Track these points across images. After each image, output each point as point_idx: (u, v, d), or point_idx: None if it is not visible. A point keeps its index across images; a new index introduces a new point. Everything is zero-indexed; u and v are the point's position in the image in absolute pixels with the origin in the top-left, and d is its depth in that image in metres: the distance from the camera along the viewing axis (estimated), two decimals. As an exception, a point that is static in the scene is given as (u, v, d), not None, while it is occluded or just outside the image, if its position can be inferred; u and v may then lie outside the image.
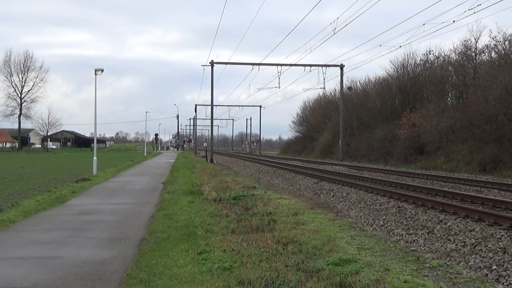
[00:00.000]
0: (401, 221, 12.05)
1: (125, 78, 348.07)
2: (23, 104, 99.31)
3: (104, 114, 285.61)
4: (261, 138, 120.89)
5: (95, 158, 28.42)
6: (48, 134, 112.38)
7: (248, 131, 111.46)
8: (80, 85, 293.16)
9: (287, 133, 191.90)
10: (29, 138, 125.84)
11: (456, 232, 10.14)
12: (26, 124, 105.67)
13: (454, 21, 25.24)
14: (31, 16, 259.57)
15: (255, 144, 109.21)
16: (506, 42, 34.96)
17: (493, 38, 36.51)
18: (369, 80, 58.89)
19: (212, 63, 45.83)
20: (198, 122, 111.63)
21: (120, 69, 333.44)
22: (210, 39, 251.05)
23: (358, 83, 60.99)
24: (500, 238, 9.13)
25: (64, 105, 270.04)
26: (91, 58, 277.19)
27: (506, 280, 7.17)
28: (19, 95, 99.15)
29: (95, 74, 28.50)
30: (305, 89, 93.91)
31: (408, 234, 10.83)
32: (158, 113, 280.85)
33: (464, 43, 40.35)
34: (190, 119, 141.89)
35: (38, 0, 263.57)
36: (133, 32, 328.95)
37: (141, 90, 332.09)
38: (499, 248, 8.53)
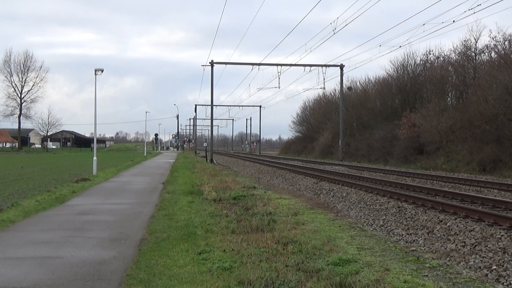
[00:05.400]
0: (401, 221, 12.05)
1: (128, 78, 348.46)
2: (23, 104, 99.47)
3: (106, 114, 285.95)
4: (261, 138, 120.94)
5: (95, 158, 28.42)
6: (48, 134, 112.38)
7: (248, 131, 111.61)
8: (83, 85, 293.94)
9: (287, 133, 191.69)
10: (29, 138, 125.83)
11: (456, 232, 10.14)
12: (26, 124, 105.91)
13: (454, 21, 25.24)
14: (35, 16, 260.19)
15: (255, 144, 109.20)
16: (506, 42, 34.99)
17: (493, 38, 36.54)
18: (369, 80, 59.01)
19: (212, 63, 45.83)
20: (198, 122, 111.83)
21: (124, 69, 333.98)
22: (216, 39, 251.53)
23: (358, 83, 61.10)
24: (500, 238, 9.13)
25: (66, 105, 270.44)
26: (94, 58, 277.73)
27: (506, 280, 7.17)
28: (19, 95, 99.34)
29: (95, 74, 28.52)
30: (305, 89, 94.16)
31: (408, 234, 10.82)
32: (160, 113, 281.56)
33: (464, 43, 40.39)
34: (190, 119, 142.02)
35: (42, 0, 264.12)
36: (137, 32, 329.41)
37: (144, 90, 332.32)
38: (499, 248, 8.53)
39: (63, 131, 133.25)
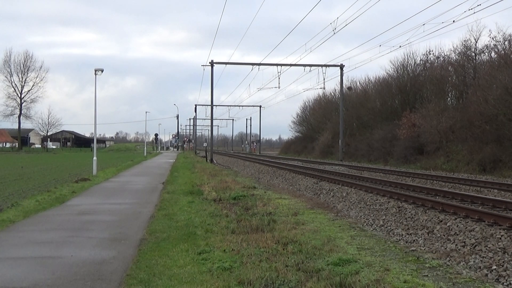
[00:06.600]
0: (401, 221, 12.05)
1: (129, 78, 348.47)
2: (23, 104, 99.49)
3: (107, 114, 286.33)
4: (261, 138, 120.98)
5: (95, 158, 28.41)
6: (48, 134, 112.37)
7: (248, 131, 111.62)
8: (83, 85, 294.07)
9: (287, 133, 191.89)
10: (29, 138, 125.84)
11: (456, 232, 10.14)
12: (26, 124, 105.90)
13: (454, 21, 25.22)
14: (36, 16, 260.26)
15: (255, 144, 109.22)
16: (506, 42, 34.97)
17: (493, 38, 36.53)
18: (369, 80, 58.98)
19: (212, 63, 45.82)
20: (198, 122, 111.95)
21: (124, 69, 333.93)
22: (217, 38, 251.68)
23: (358, 83, 61.08)
24: (500, 238, 9.13)
25: (66, 105, 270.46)
26: (95, 58, 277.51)
27: (506, 280, 7.17)
28: (19, 95, 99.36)
29: (95, 74, 28.52)
30: (305, 89, 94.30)
31: (408, 234, 10.83)
32: (160, 113, 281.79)
33: (464, 43, 40.37)
34: (190, 119, 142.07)
35: (43, 0, 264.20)
36: (139, 31, 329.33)
37: (144, 90, 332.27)
38: (499, 248, 8.53)
39: (63, 131, 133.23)
